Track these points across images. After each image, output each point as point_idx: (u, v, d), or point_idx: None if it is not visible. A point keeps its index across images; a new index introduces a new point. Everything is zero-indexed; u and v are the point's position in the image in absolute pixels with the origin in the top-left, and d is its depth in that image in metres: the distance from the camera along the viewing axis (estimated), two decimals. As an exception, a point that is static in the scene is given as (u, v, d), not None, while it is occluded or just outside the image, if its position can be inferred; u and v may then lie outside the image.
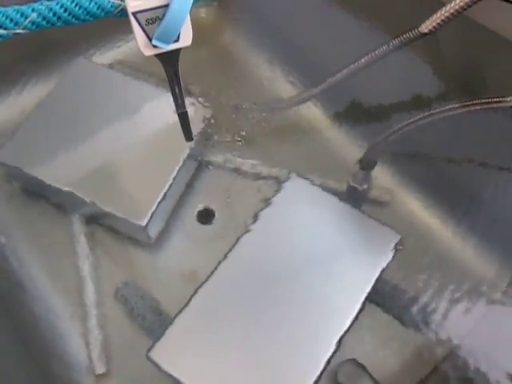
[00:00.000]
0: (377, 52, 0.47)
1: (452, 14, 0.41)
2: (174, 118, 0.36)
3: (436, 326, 0.45)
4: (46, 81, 0.59)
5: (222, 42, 0.65)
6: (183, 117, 0.35)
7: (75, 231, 0.50)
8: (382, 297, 0.46)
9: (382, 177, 0.53)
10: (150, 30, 0.28)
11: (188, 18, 0.28)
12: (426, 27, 0.42)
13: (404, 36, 0.44)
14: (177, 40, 0.28)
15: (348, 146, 0.56)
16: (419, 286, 0.47)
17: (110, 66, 0.60)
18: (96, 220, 0.51)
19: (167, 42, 0.28)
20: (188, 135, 0.37)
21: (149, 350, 0.41)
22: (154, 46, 0.28)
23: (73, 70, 0.55)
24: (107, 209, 0.47)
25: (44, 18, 0.26)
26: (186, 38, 0.29)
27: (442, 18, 0.41)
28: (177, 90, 0.32)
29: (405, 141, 0.46)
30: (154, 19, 0.27)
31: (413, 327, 0.45)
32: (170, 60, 0.30)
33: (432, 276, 0.47)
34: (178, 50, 0.30)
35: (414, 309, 0.46)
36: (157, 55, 0.29)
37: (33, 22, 0.25)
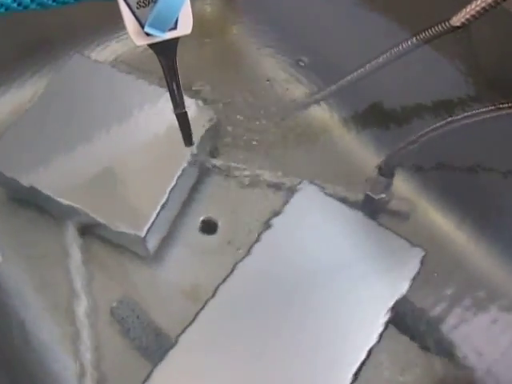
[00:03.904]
0: (398, 48, 0.46)
1: (489, 4, 0.38)
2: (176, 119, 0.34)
3: (461, 350, 0.43)
4: (40, 79, 0.58)
5: (228, 38, 0.64)
6: (182, 118, 0.33)
7: (68, 243, 0.49)
8: (401, 318, 0.44)
9: (403, 186, 0.52)
10: (142, 14, 0.25)
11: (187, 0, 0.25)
12: (458, 20, 0.40)
13: (433, 30, 0.42)
14: (174, 27, 0.26)
15: (365, 151, 0.55)
16: (443, 307, 0.45)
17: (108, 63, 0.58)
18: (90, 230, 0.49)
19: (163, 30, 0.25)
20: (188, 139, 0.35)
21: (146, 380, 0.39)
22: (148, 34, 0.26)
23: (68, 68, 0.53)
24: (103, 219, 0.46)
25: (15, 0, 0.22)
26: (185, 26, 0.26)
27: (477, 9, 0.39)
28: (175, 87, 0.30)
29: (428, 147, 0.44)
30: (146, 1, 0.24)
31: (435, 352, 0.44)
32: (166, 51, 0.28)
33: (457, 296, 0.46)
34: (175, 40, 0.27)
35: (437, 332, 0.44)
36: (151, 45, 0.27)
37: (1, 4, 0.22)
